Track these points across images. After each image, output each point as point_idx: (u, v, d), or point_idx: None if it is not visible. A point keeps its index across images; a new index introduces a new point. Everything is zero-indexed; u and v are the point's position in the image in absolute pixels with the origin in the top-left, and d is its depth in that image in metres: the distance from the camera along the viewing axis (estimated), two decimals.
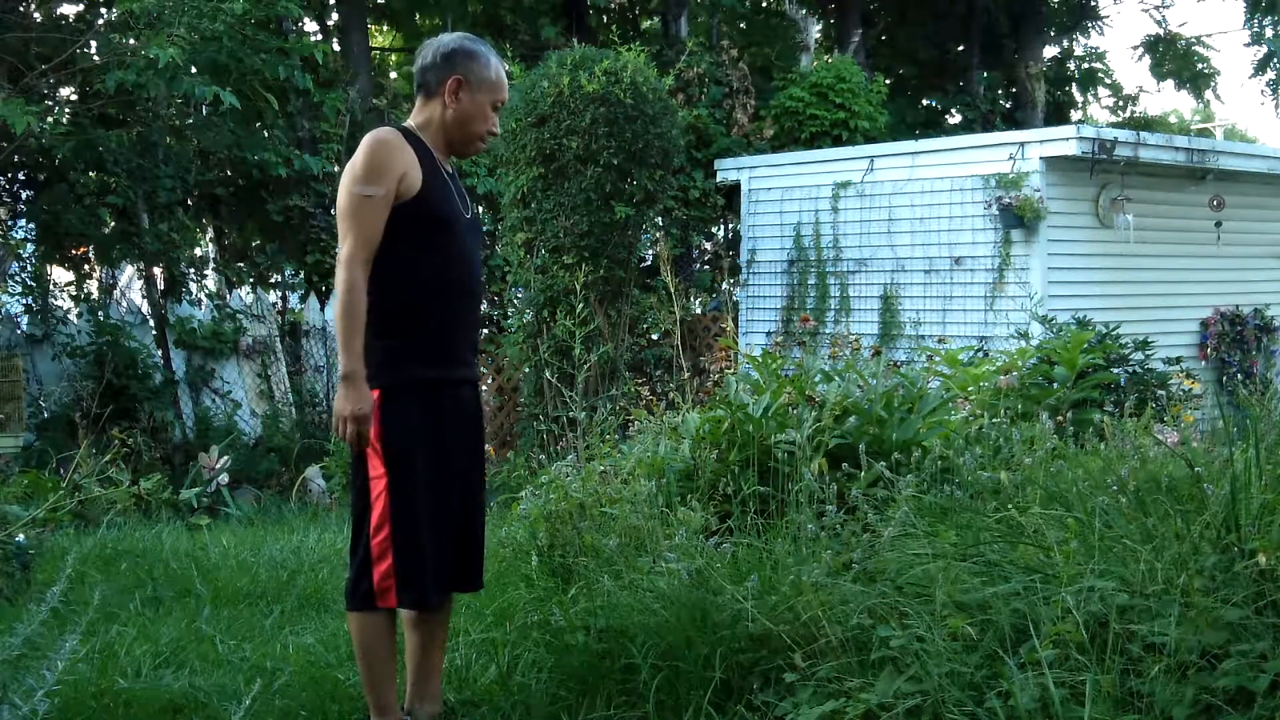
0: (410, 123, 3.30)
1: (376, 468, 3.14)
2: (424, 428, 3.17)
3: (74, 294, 11.04)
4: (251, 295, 11.27)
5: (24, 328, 10.32)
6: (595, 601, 3.65)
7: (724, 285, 11.81)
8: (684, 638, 3.21)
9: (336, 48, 13.30)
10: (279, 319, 11.29)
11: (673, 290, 7.53)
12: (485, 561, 3.47)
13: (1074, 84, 18.55)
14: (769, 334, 10.60)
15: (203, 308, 10.91)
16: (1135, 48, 18.06)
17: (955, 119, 16.56)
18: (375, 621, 3.20)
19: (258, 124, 11.41)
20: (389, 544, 3.14)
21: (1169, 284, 9.95)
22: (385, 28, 17.48)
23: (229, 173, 11.16)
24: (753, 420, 4.50)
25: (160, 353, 10.49)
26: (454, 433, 3.25)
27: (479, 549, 3.38)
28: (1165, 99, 38.69)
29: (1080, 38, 18.67)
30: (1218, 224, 10.17)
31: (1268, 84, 17.19)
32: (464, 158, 3.43)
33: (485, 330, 12.07)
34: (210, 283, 11.22)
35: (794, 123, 12.29)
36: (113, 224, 10.43)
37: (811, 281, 10.49)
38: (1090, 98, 19.22)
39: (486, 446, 3.75)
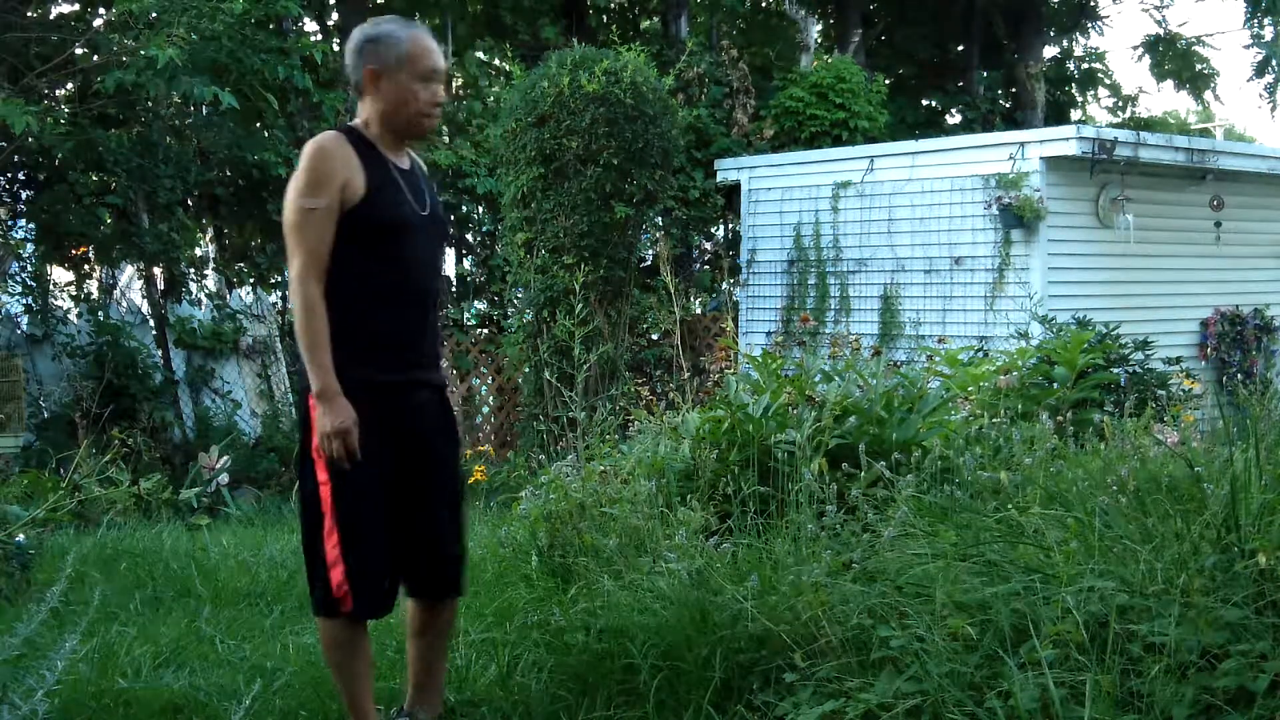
0: (357, 121, 3.21)
1: (321, 472, 3.06)
2: (366, 429, 3.03)
3: (74, 294, 11.04)
4: (251, 295, 11.27)
5: (24, 328, 10.31)
6: (595, 601, 3.65)
7: (724, 285, 11.81)
8: (684, 638, 3.21)
9: (336, 48, 13.29)
10: (279, 319, 11.29)
11: (673, 290, 7.54)
12: (485, 562, 3.45)
13: (1074, 84, 18.54)
14: (769, 334, 10.60)
15: (203, 308, 10.90)
16: (1135, 48, 18.06)
17: (955, 119, 16.56)
18: (337, 628, 3.15)
19: (258, 124, 11.40)
20: (339, 550, 3.06)
21: (1169, 284, 9.95)
22: None
23: (229, 173, 11.16)
24: (753, 420, 4.50)
25: (160, 353, 10.49)
26: (404, 438, 3.12)
27: (450, 556, 3.27)
28: (1165, 99, 38.74)
29: (1080, 38, 18.67)
30: (1218, 224, 10.17)
31: (1266, 87, 17.18)
32: (420, 139, 3.29)
33: (484, 330, 12.07)
34: (210, 283, 11.22)
35: (794, 123, 12.29)
36: (113, 224, 10.43)
37: (811, 281, 10.49)
38: (1090, 98, 19.22)
39: (486, 447, 3.70)
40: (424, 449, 3.18)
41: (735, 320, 10.71)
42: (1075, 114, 18.48)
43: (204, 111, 10.64)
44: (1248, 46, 17.16)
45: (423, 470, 3.18)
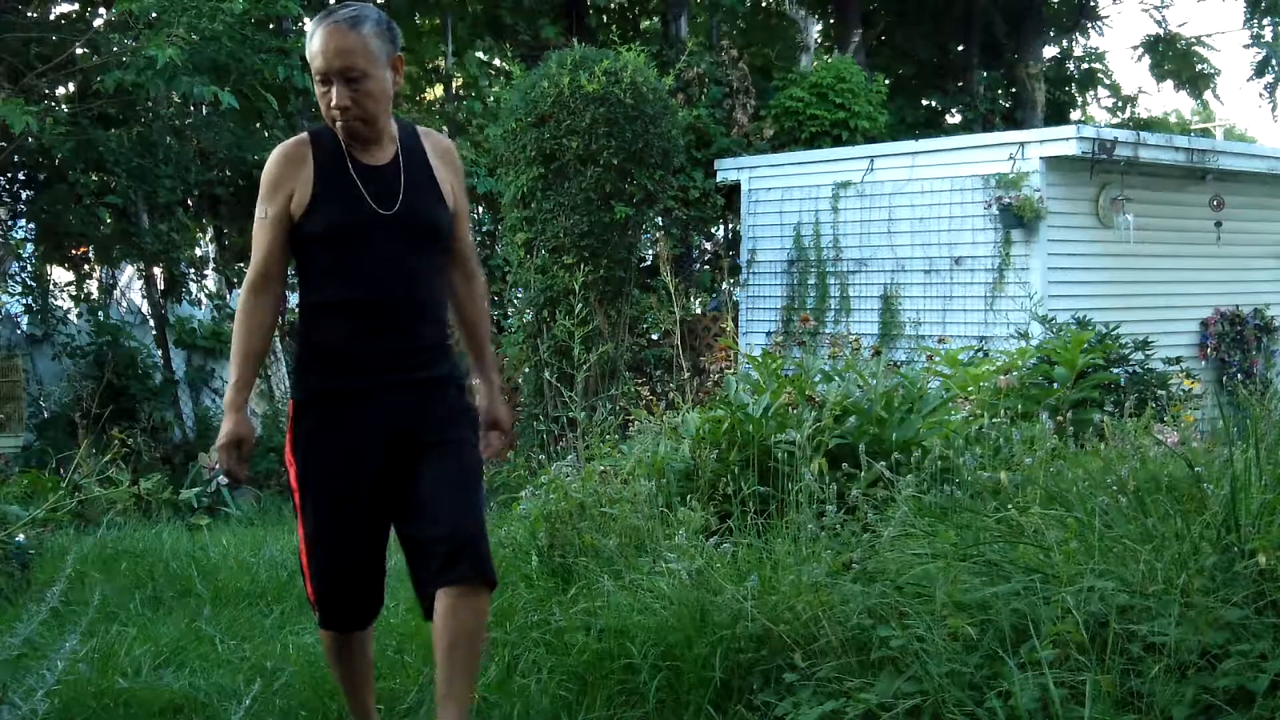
0: None
1: (292, 481, 3.03)
2: (323, 440, 2.95)
3: (74, 294, 11.05)
4: None
5: (24, 328, 10.33)
6: (595, 601, 3.65)
7: (724, 285, 11.80)
8: (684, 638, 3.20)
9: None
10: (278, 319, 11.29)
11: (673, 290, 7.54)
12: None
13: (1073, 84, 18.55)
14: (769, 334, 10.60)
15: (203, 308, 10.91)
16: (1135, 48, 18.07)
17: (955, 119, 16.56)
18: (328, 633, 3.11)
19: (258, 124, 11.41)
20: (305, 561, 3.03)
21: (1169, 284, 9.95)
22: None
23: (229, 173, 11.16)
24: (753, 420, 4.50)
25: (160, 353, 10.50)
26: (379, 439, 2.92)
27: (459, 532, 2.88)
28: (1165, 99, 38.75)
29: (1080, 38, 18.69)
30: (1218, 224, 10.17)
31: (1266, 86, 17.19)
32: (357, 142, 2.94)
33: None
34: (210, 283, 11.23)
35: (794, 123, 12.29)
36: (113, 224, 10.43)
37: (811, 281, 10.49)
38: (1090, 98, 19.24)
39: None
40: (406, 441, 2.95)
41: (735, 320, 10.71)
42: (1075, 114, 18.49)
43: (204, 111, 10.64)
44: (1248, 46, 17.18)
45: (412, 459, 2.95)
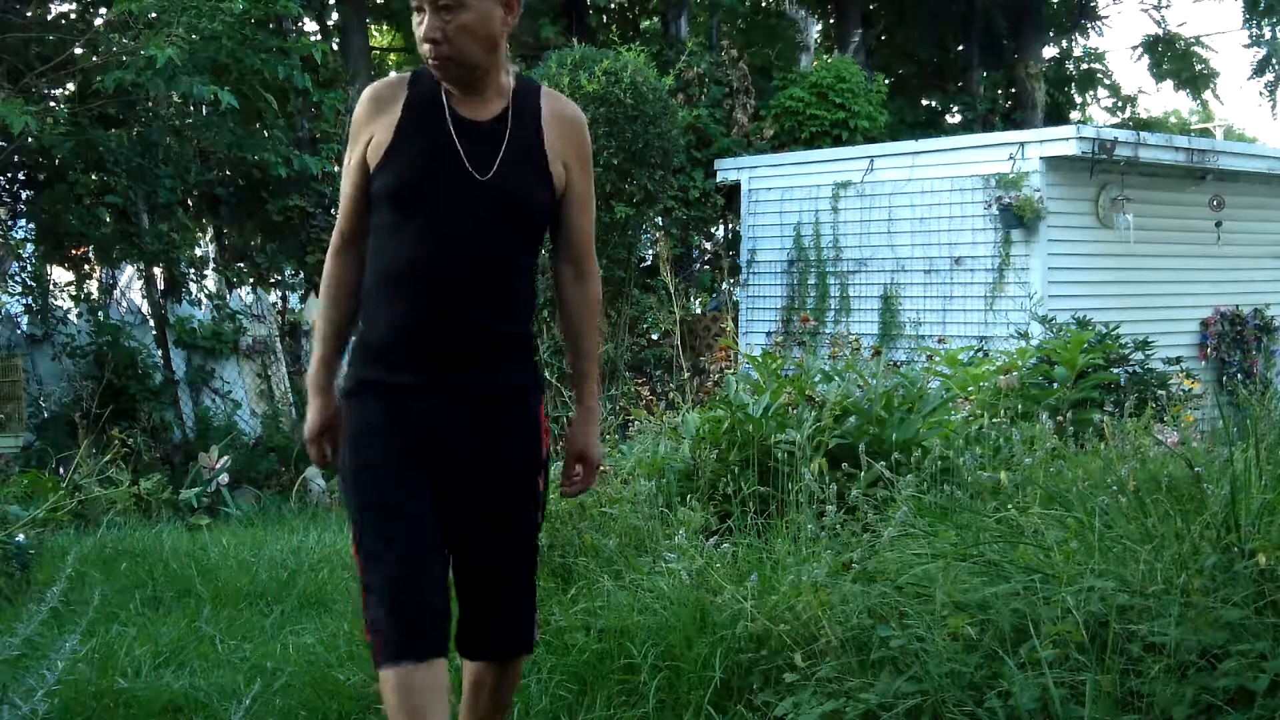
0: None
1: (342, 482, 2.55)
2: (370, 437, 2.47)
3: (74, 294, 11.04)
4: (251, 295, 11.27)
5: (24, 328, 10.32)
6: (595, 601, 3.65)
7: (724, 285, 11.81)
8: (684, 638, 3.20)
9: (336, 48, 13.30)
10: (279, 319, 11.29)
11: (673, 290, 7.55)
12: None
13: (1073, 84, 18.56)
14: (769, 334, 10.60)
15: (203, 308, 10.91)
16: (1134, 48, 18.08)
17: (955, 119, 16.57)
18: (389, 680, 2.34)
19: (258, 124, 11.40)
20: (361, 574, 2.46)
21: (1169, 284, 9.95)
22: (385, 28, 17.47)
23: (229, 173, 11.15)
24: (753, 420, 4.50)
25: (160, 353, 10.49)
26: (430, 454, 2.47)
27: (494, 610, 2.55)
28: (1165, 99, 38.73)
29: (1080, 38, 18.70)
30: (1218, 224, 10.18)
31: (1266, 85, 17.20)
32: (455, 87, 2.49)
33: None
34: (210, 283, 11.22)
35: (794, 123, 12.29)
36: (113, 224, 10.43)
37: (811, 281, 10.49)
38: (1090, 98, 19.25)
39: None
40: (447, 475, 2.48)
41: (735, 320, 10.72)
42: (1075, 114, 18.50)
43: (204, 111, 10.63)
44: (1248, 45, 17.18)
45: (450, 502, 2.49)
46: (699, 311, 11.77)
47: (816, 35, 16.87)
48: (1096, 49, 24.58)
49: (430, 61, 2.44)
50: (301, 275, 11.65)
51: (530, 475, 2.59)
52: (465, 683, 2.66)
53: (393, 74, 2.55)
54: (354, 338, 2.58)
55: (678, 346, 8.74)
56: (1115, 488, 3.35)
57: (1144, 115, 20.00)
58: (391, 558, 2.40)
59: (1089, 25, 18.21)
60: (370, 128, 2.49)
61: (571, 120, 2.58)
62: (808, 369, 5.12)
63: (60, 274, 11.27)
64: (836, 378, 5.08)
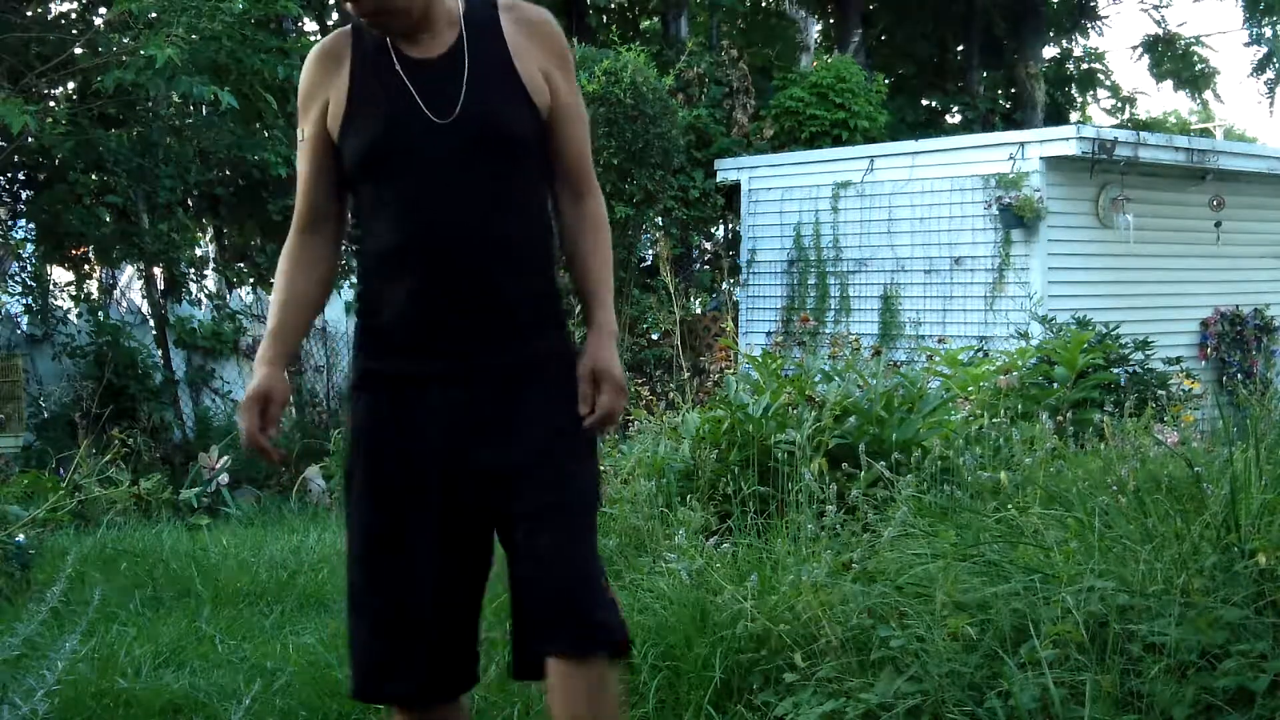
0: None
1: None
2: (371, 444, 2.23)
3: (74, 294, 11.04)
4: (251, 295, 11.27)
5: (24, 328, 10.32)
6: None
7: (724, 285, 11.81)
8: (684, 638, 3.20)
9: None
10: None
11: (673, 290, 7.55)
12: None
13: (1073, 84, 18.57)
14: (769, 334, 10.60)
15: (203, 308, 10.91)
16: (1134, 48, 18.10)
17: (955, 119, 16.58)
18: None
19: (258, 124, 11.40)
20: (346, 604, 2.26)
21: (1169, 284, 9.95)
22: None
23: (229, 173, 11.16)
24: (753, 420, 4.50)
25: (160, 353, 10.49)
26: (434, 451, 2.18)
27: (556, 588, 2.22)
28: (1165, 99, 38.76)
29: (1079, 38, 18.71)
30: (1218, 224, 10.18)
31: (1266, 83, 17.21)
32: (398, 34, 2.18)
33: None
34: (210, 283, 11.22)
35: (794, 123, 12.29)
36: (112, 224, 10.43)
37: (811, 281, 10.49)
38: (1090, 98, 19.26)
39: None
40: (458, 465, 2.19)
41: (735, 320, 10.71)
42: (1075, 114, 18.51)
43: (204, 111, 10.64)
44: (1248, 45, 17.20)
45: (498, 493, 2.20)
46: (699, 311, 11.76)
47: (816, 35, 16.88)
48: (1096, 49, 24.59)
49: (361, 22, 2.17)
50: None
51: (569, 421, 2.23)
52: (550, 703, 2.29)
53: (334, 31, 2.31)
54: (356, 324, 2.34)
55: (678, 346, 8.74)
56: (1115, 488, 3.35)
57: (1144, 115, 20.02)
58: (365, 581, 2.23)
59: (1089, 25, 18.23)
60: (322, 93, 2.21)
61: (539, 23, 2.25)
62: (808, 369, 5.12)
63: (60, 274, 11.28)
64: (836, 378, 5.08)
